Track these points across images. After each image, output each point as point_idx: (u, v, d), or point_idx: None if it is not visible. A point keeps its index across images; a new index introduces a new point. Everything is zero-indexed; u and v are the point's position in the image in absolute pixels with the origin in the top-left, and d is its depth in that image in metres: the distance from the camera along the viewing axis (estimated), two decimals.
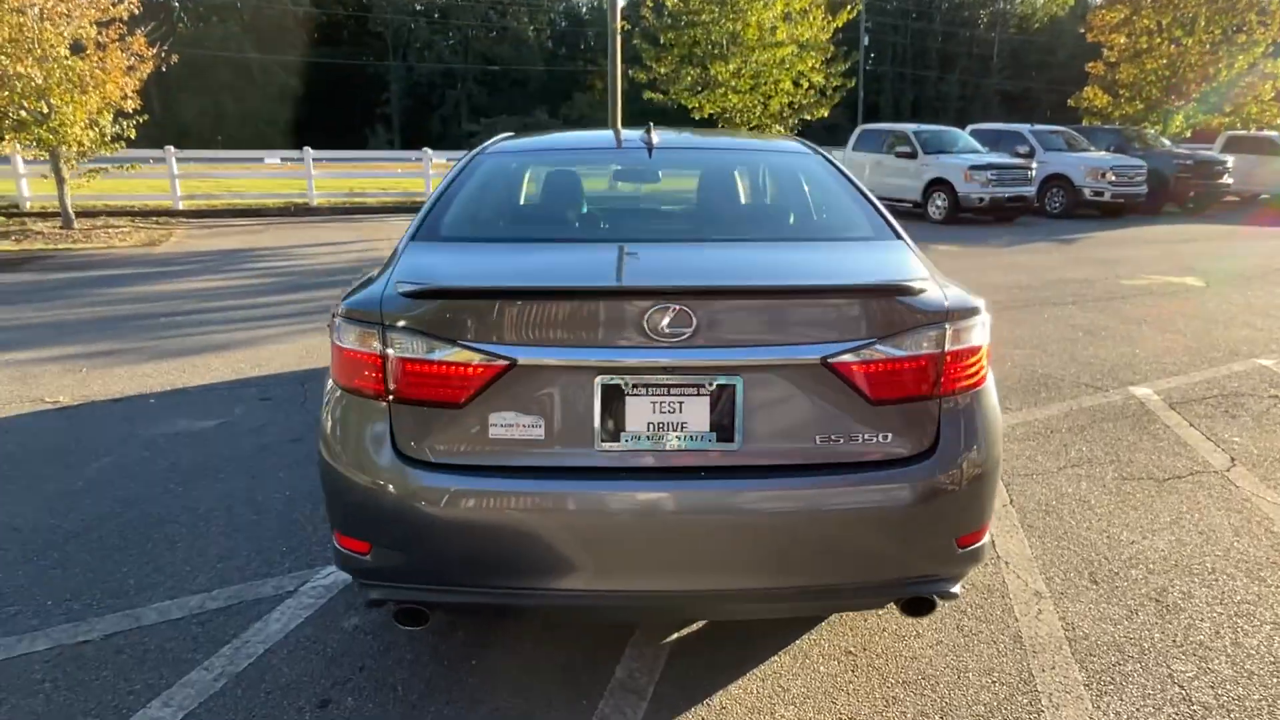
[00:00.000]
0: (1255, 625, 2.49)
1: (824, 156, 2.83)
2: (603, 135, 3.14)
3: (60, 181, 13.23)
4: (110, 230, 13.29)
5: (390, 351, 1.81)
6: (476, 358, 1.77)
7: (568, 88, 52.82)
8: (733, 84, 15.55)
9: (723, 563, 1.84)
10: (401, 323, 1.81)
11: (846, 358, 1.81)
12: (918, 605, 2.03)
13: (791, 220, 2.61)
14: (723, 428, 1.81)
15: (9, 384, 4.88)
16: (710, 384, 1.79)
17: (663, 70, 16.04)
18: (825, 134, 17.65)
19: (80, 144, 12.73)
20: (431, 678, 2.20)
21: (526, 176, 2.84)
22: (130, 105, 13.20)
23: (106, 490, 3.39)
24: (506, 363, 1.77)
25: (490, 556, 1.82)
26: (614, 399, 1.79)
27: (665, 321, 1.75)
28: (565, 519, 1.79)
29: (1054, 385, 4.94)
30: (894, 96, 57.67)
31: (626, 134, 2.89)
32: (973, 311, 1.95)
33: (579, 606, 1.91)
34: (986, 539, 2.04)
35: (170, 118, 42.71)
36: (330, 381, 1.95)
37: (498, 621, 2.44)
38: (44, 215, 14.35)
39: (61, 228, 13.22)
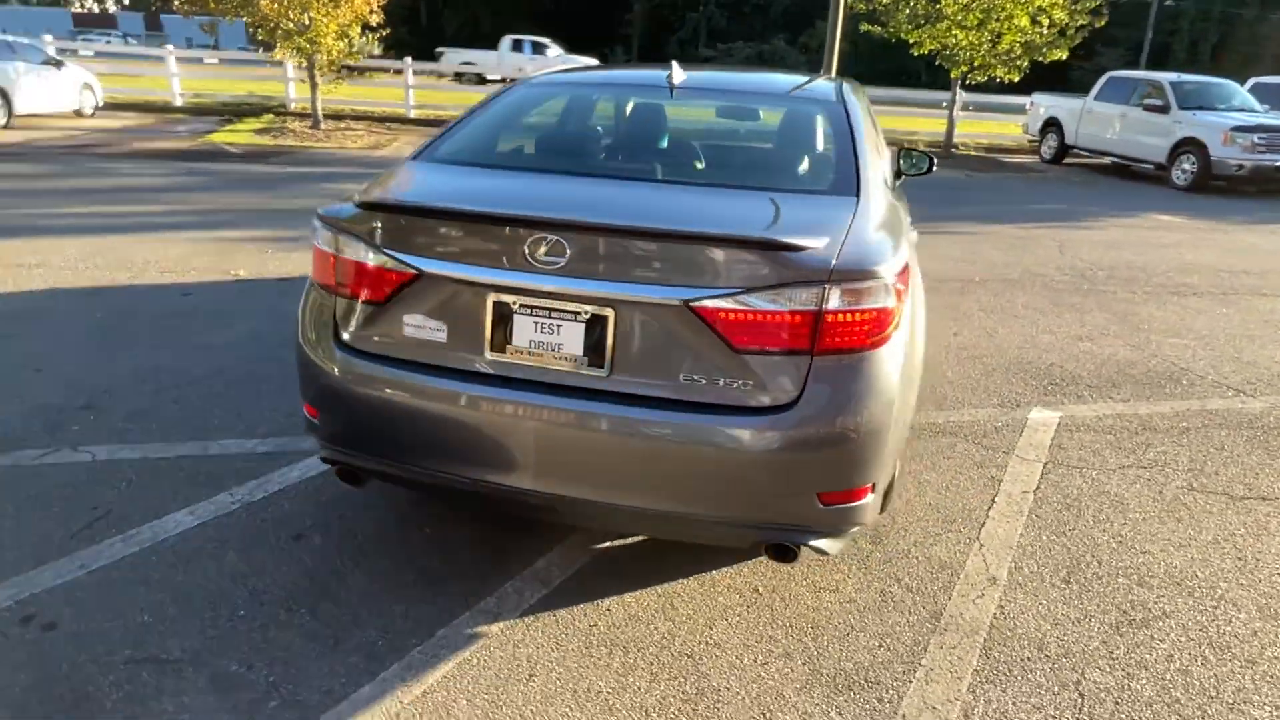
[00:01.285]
0: (1223, 661, 2.26)
1: (843, 105, 2.74)
2: (641, 74, 3.21)
3: (313, 86, 15.03)
4: (347, 133, 14.95)
5: (340, 253, 2.14)
6: (392, 264, 2.05)
7: (810, 14, 50.62)
8: (959, 18, 14.31)
9: (589, 477, 2.01)
10: (349, 229, 2.12)
11: (710, 303, 1.88)
12: (781, 551, 2.09)
13: (764, 169, 2.59)
14: (595, 354, 1.96)
15: (211, 256, 5.90)
16: (585, 313, 1.94)
17: (884, 1, 15.06)
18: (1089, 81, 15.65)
19: (330, 53, 14.38)
20: (386, 535, 2.60)
21: (542, 108, 3.01)
22: (375, 19, 14.70)
23: (233, 349, 4.12)
24: (415, 272, 2.03)
25: (397, 436, 2.12)
26: (503, 316, 2.00)
27: (541, 251, 1.91)
28: (456, 415, 2.05)
29: (1187, 382, 4.41)
30: (1191, 39, 49.56)
31: (661, 72, 2.96)
32: (866, 275, 1.92)
33: (470, 493, 2.17)
34: (866, 500, 2.05)
35: (434, 29, 46.40)
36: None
37: (467, 507, 2.77)
38: (302, 115, 16.35)
39: (311, 127, 15.06)
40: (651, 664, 2.12)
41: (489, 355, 2.03)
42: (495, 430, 2.03)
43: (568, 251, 1.90)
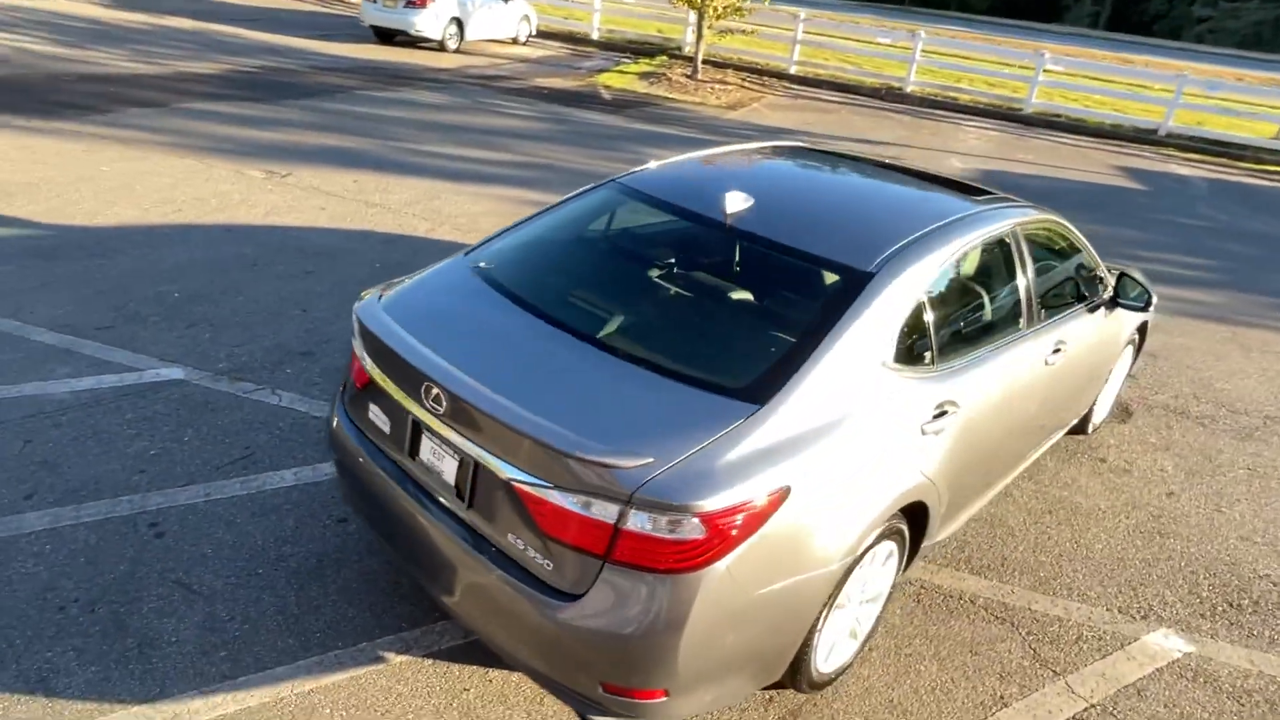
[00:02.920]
0: None
1: (873, 278, 2.52)
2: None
3: (698, 37, 15.86)
4: (717, 86, 15.60)
5: (353, 344, 2.68)
6: (362, 365, 2.54)
7: None
8: None
9: (452, 592, 2.35)
10: (358, 327, 2.63)
11: (525, 487, 2.06)
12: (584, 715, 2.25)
13: (703, 347, 2.47)
14: (460, 488, 2.26)
15: (500, 219, 6.95)
16: (458, 454, 2.25)
17: None
18: None
19: (717, 10, 15.00)
20: None
21: (590, 222, 3.11)
22: None
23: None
24: (370, 377, 2.50)
25: (353, 486, 2.66)
26: (417, 432, 2.38)
27: (430, 396, 2.24)
28: (381, 495, 2.51)
29: None
30: None
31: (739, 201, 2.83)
32: (671, 508, 1.93)
33: (393, 558, 2.63)
34: (657, 702, 2.11)
35: None
36: None
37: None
38: (690, 60, 17.26)
39: (688, 75, 15.99)
40: None
41: (407, 458, 2.44)
42: (398, 520, 2.45)
43: (444, 403, 2.22)
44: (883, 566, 2.76)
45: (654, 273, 2.84)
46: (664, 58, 18.08)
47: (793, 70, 17.92)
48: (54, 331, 4.33)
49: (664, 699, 2.13)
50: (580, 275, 2.83)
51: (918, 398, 2.57)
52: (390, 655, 2.71)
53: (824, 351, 2.34)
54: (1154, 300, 3.88)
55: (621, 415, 2.17)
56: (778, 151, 3.70)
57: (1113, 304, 3.92)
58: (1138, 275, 3.94)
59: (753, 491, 2.03)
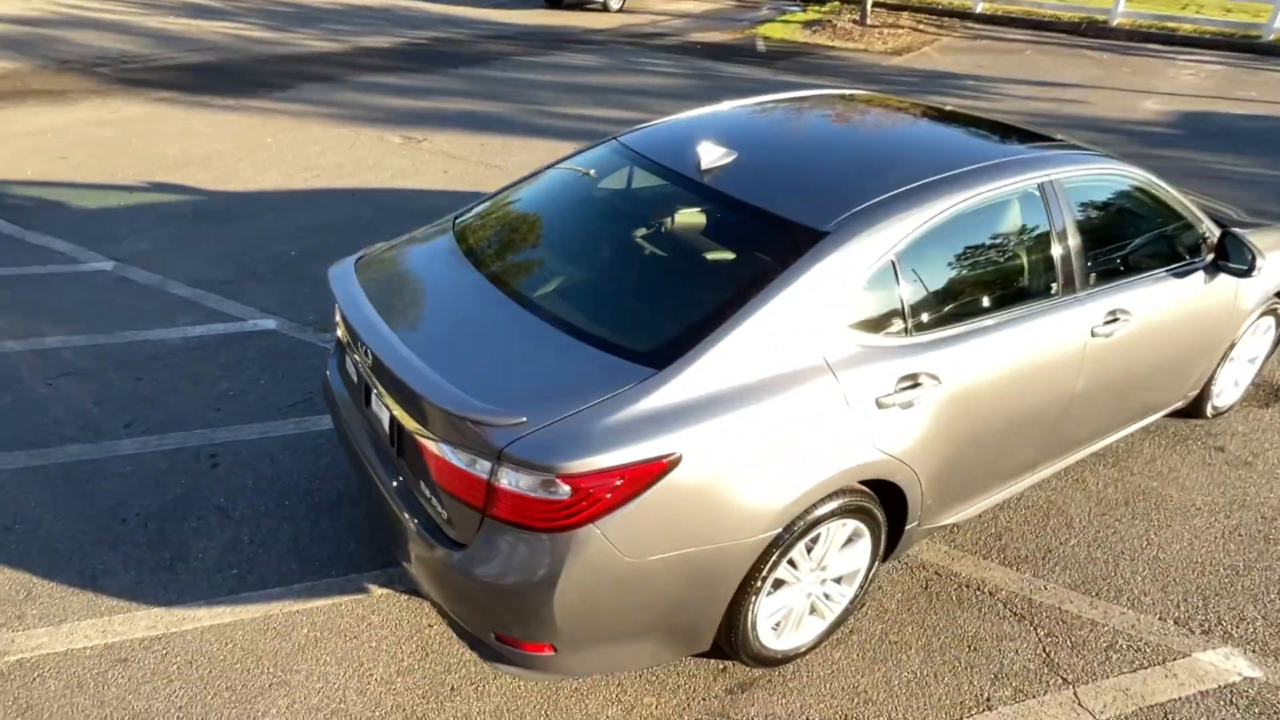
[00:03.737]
0: None
1: (856, 234, 2.32)
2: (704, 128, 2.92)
3: None
4: (887, 30, 14.64)
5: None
6: (338, 325, 2.73)
7: None
8: None
9: (390, 531, 2.49)
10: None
11: (423, 440, 2.14)
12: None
13: (629, 308, 2.37)
14: (393, 439, 2.39)
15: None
16: (387, 407, 2.37)
17: None
18: None
19: None
20: None
21: (583, 182, 3.04)
22: None
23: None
24: (338, 338, 2.68)
25: (338, 437, 2.88)
26: (369, 387, 2.53)
27: (362, 353, 2.38)
28: (350, 440, 2.69)
29: None
30: None
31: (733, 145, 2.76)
32: (536, 467, 1.94)
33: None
34: (540, 655, 2.15)
35: None
36: None
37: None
38: (861, 3, 16.25)
39: (856, 21, 15.12)
40: (426, 681, 2.62)
41: (363, 408, 2.62)
42: (361, 461, 2.63)
43: (370, 359, 2.35)
44: (847, 546, 2.60)
45: (611, 233, 2.80)
46: (835, 3, 17.18)
47: (979, 9, 16.40)
48: (186, 285, 4.98)
49: (551, 654, 2.17)
50: (538, 238, 2.85)
51: (875, 368, 2.37)
52: (373, 588, 2.94)
53: (747, 315, 2.22)
54: (1259, 264, 3.25)
55: (521, 375, 2.20)
56: (817, 100, 3.47)
57: (1214, 268, 3.33)
58: (1244, 235, 3.31)
59: (630, 457, 1.99)
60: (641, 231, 2.74)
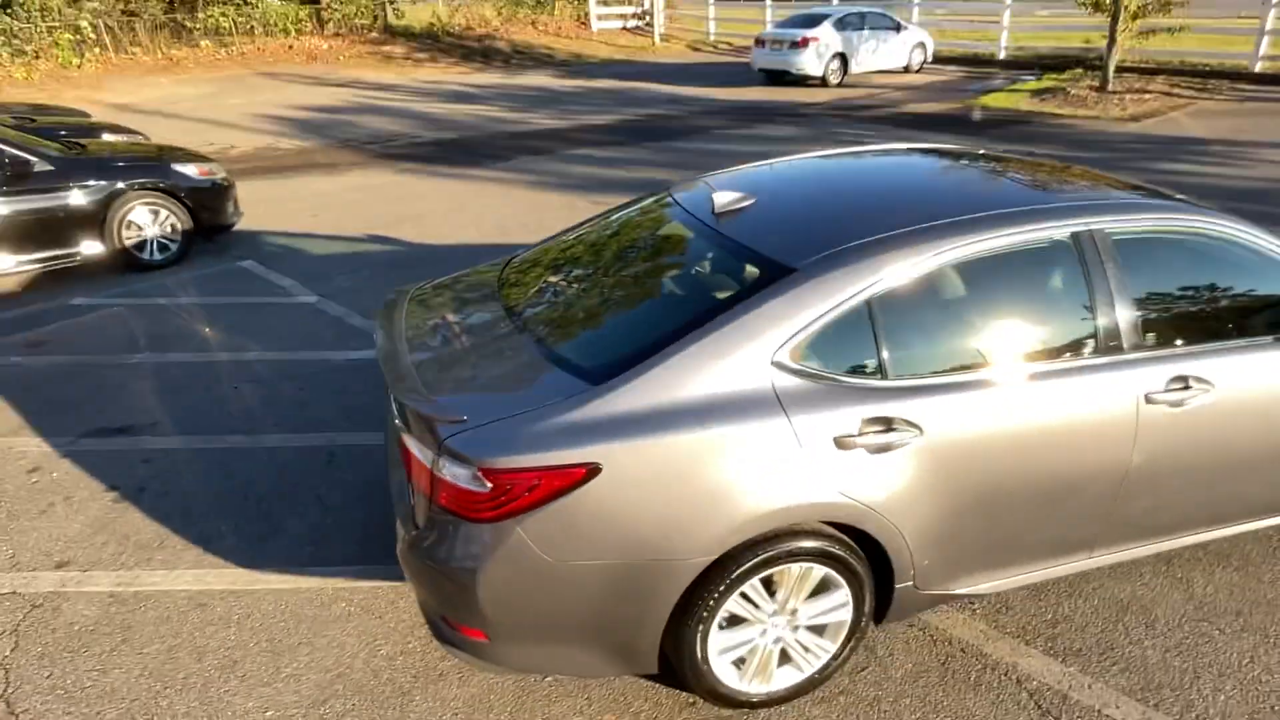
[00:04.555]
0: None
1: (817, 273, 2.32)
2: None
3: (1109, 43, 13.84)
4: (1128, 97, 13.47)
5: None
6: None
7: None
8: None
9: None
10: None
11: (404, 438, 2.42)
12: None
13: (595, 335, 2.48)
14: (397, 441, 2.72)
15: None
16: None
17: None
18: None
19: (1130, 8, 12.95)
20: None
21: (628, 226, 3.21)
22: None
23: None
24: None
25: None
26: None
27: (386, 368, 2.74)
28: (387, 440, 3.08)
29: None
30: None
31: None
32: (460, 458, 2.15)
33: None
34: (479, 641, 2.32)
35: None
36: None
37: None
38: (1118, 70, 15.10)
39: (1096, 88, 14.06)
40: (422, 663, 2.87)
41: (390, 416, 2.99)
42: (389, 461, 3.00)
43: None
44: (820, 595, 2.52)
45: (616, 268, 2.98)
46: (1078, 70, 16.07)
47: (1257, 67, 14.54)
48: (361, 317, 5.84)
49: (484, 641, 2.34)
50: (559, 272, 3.08)
51: (834, 407, 2.33)
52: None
53: (693, 341, 2.30)
54: None
55: (491, 386, 2.46)
56: (885, 151, 3.46)
57: None
58: None
59: (548, 460, 2.15)
60: (645, 268, 2.91)
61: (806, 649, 2.59)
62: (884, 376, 2.40)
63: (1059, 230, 2.59)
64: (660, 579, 2.27)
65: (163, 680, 2.81)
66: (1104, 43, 16.93)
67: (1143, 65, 15.63)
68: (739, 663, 2.54)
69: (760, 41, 16.67)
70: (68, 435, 4.35)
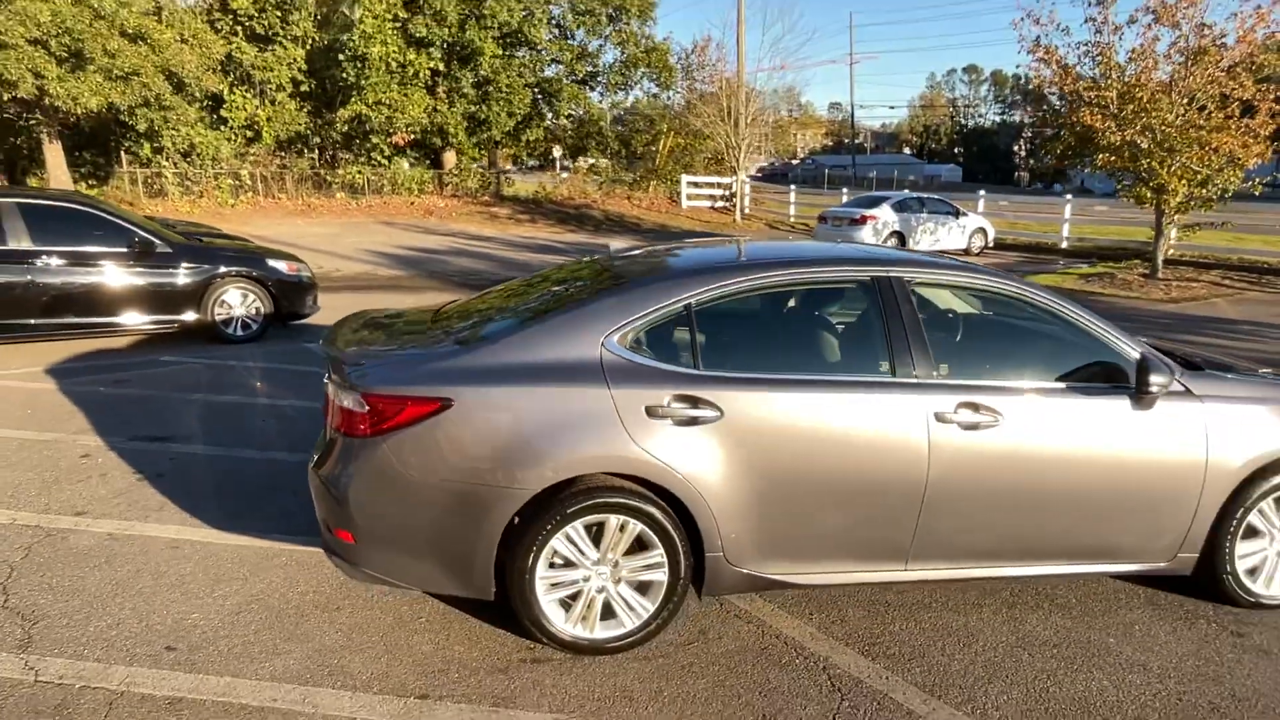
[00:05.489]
0: None
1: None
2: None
3: (1157, 234, 14.35)
4: (1175, 284, 13.76)
5: None
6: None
7: None
8: None
9: None
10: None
11: (327, 384, 3.15)
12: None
13: (501, 327, 3.19)
14: None
15: None
16: None
17: None
18: None
19: (1171, 203, 13.54)
20: None
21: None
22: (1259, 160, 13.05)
23: None
24: None
25: None
26: None
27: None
28: None
29: None
30: None
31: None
32: (351, 387, 2.84)
33: None
34: (346, 543, 2.89)
35: None
36: None
37: None
38: (1171, 262, 15.48)
39: (1145, 275, 14.43)
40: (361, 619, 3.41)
41: None
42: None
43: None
44: (640, 553, 2.98)
45: (525, 295, 3.69)
46: (1135, 261, 16.48)
47: None
48: None
49: (352, 543, 2.92)
50: (483, 304, 3.78)
51: (649, 383, 2.92)
52: None
53: (542, 321, 3.00)
54: (1155, 381, 3.05)
55: (395, 351, 3.20)
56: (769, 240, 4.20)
57: (1138, 395, 3.19)
58: (1159, 358, 3.16)
59: (413, 392, 2.82)
60: (540, 291, 3.64)
61: (629, 606, 3.02)
62: (696, 366, 3.00)
63: (862, 273, 3.21)
64: (493, 503, 2.83)
65: (123, 587, 3.46)
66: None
67: (1201, 259, 15.95)
68: (566, 605, 2.99)
69: (823, 218, 17.97)
70: (119, 437, 5.28)
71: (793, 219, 26.37)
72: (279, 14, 22.38)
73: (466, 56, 24.34)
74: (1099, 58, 13.48)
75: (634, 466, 2.89)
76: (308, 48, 23.09)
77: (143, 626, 3.18)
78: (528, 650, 3.08)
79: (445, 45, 24.04)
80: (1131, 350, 3.28)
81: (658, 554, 2.99)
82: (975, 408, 3.09)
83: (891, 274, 3.23)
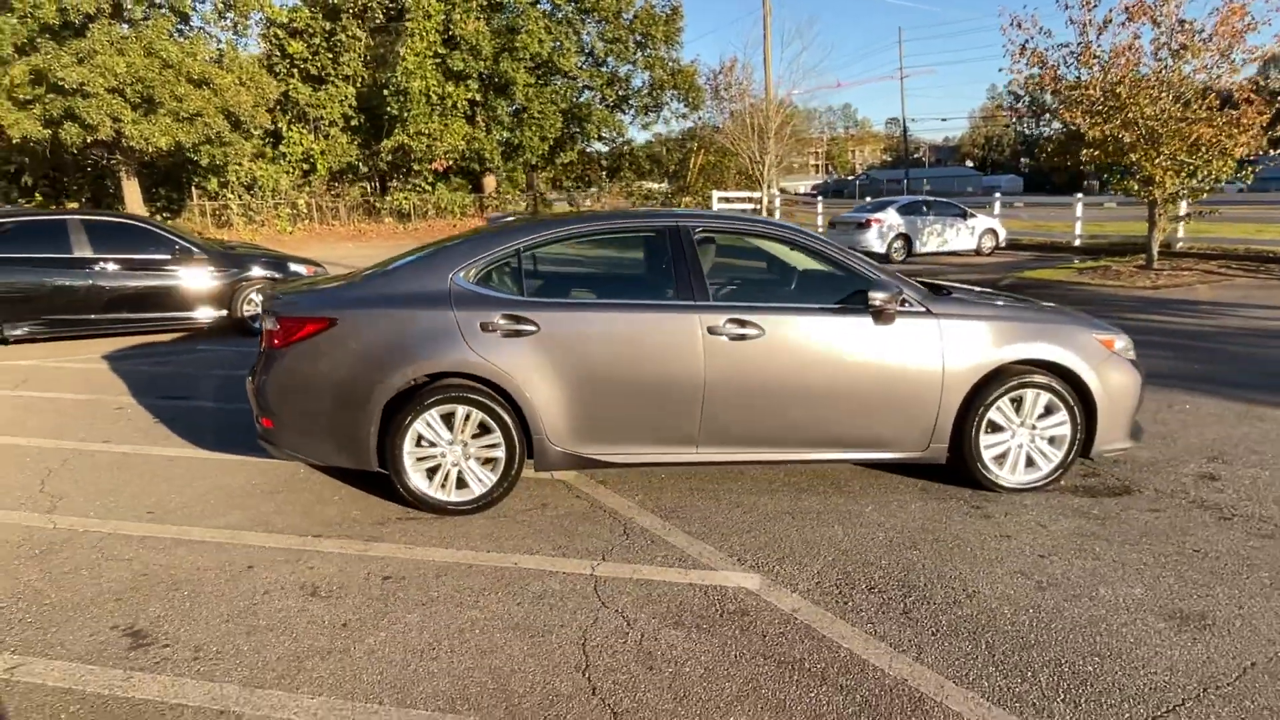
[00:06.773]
0: None
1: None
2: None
3: (1150, 226, 14.66)
4: (1165, 274, 14.05)
5: None
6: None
7: None
8: None
9: None
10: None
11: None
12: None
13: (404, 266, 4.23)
14: None
15: None
16: None
17: None
18: None
19: (1165, 191, 13.89)
20: None
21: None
22: (1241, 151, 13.33)
23: None
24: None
25: None
26: None
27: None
28: None
29: None
30: None
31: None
32: (269, 313, 3.94)
33: None
34: (268, 429, 3.98)
35: None
36: None
37: None
38: (1181, 255, 15.72)
39: (1140, 266, 14.75)
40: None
41: None
42: None
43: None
44: (483, 435, 3.98)
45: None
46: (1142, 256, 16.70)
47: None
48: None
49: (272, 428, 4.00)
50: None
51: (484, 306, 3.93)
52: None
53: (406, 262, 4.06)
54: (874, 297, 3.90)
55: (315, 289, 4.31)
56: (638, 214, 5.18)
57: (871, 309, 4.03)
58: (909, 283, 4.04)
59: (310, 313, 3.91)
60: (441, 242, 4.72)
61: (478, 478, 4.02)
62: (521, 294, 4.00)
63: (657, 224, 4.17)
64: (369, 395, 3.88)
65: (128, 483, 4.63)
66: (1174, 229, 17.53)
67: (1209, 251, 16.08)
68: (430, 475, 4.00)
69: (833, 224, 18.71)
70: (150, 397, 6.56)
71: (821, 229, 27.03)
72: (330, 55, 24.44)
73: (501, 86, 26.00)
74: (1081, 57, 13.99)
75: (472, 368, 3.90)
76: (357, 85, 25.09)
77: (134, 502, 4.33)
78: (405, 513, 4.10)
79: (482, 77, 25.75)
80: (874, 278, 4.15)
81: (496, 436, 3.98)
82: (741, 323, 4.00)
83: (680, 224, 4.18)
